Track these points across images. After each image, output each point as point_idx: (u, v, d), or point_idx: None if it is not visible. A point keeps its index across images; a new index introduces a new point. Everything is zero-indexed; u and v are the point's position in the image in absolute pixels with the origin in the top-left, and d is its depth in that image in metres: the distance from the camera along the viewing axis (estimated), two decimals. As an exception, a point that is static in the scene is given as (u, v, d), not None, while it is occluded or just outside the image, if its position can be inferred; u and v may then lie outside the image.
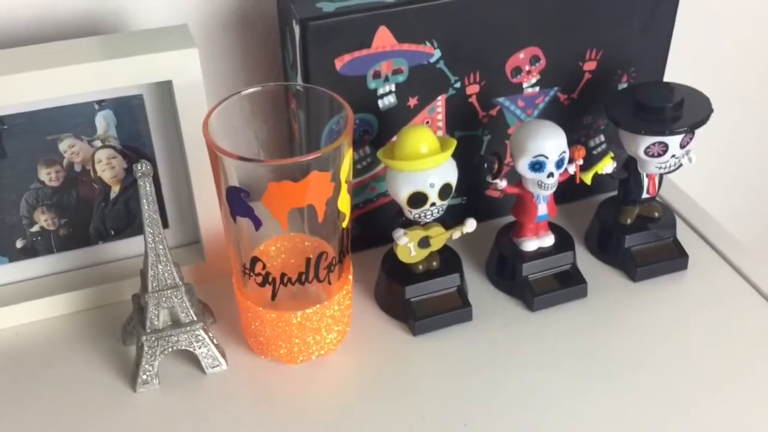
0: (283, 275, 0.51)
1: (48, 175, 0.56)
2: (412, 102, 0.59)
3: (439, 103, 0.60)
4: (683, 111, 0.57)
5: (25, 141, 0.55)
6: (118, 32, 0.61)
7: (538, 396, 0.53)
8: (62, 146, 0.56)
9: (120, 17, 0.60)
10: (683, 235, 0.64)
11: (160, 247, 0.51)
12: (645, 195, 0.62)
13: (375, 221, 0.63)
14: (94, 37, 0.55)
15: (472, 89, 0.60)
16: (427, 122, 0.61)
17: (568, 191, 0.61)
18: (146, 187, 0.49)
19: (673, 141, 0.57)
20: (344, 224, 0.51)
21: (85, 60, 0.51)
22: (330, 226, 0.51)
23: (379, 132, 0.60)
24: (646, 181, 0.61)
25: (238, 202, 0.48)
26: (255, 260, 0.51)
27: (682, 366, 0.55)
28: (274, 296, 0.52)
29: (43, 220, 0.58)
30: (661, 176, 0.61)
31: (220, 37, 0.64)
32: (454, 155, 0.55)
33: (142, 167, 0.48)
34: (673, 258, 0.62)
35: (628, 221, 0.63)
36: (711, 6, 0.79)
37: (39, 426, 0.52)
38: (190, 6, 0.62)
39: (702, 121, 0.57)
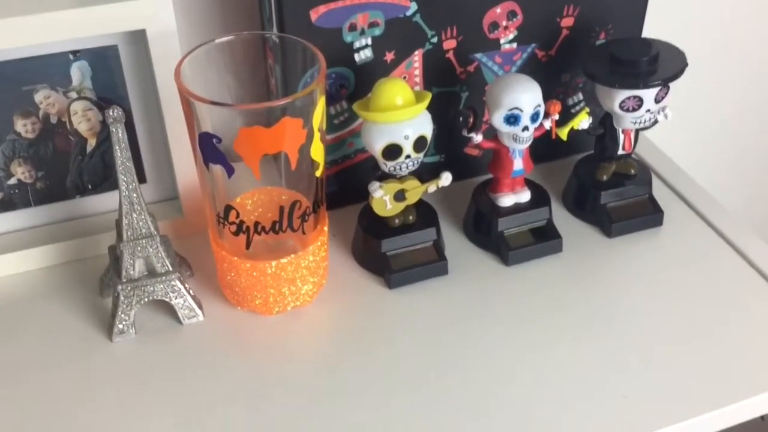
0: (257, 224, 0.51)
1: (24, 127, 0.56)
2: (389, 56, 0.59)
3: (416, 58, 0.60)
4: (658, 65, 0.57)
5: (0, 92, 0.55)
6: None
7: (511, 349, 0.54)
8: (38, 97, 0.56)
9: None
10: (659, 191, 0.65)
11: (134, 195, 0.51)
12: (621, 151, 0.62)
13: (353, 177, 0.64)
14: (67, -14, 0.55)
15: (449, 44, 0.61)
16: (405, 77, 0.61)
17: (546, 150, 0.62)
18: (119, 134, 0.49)
19: (648, 95, 0.57)
20: (318, 173, 0.52)
21: (58, 7, 0.51)
22: (303, 176, 0.51)
23: (356, 87, 0.60)
24: (621, 137, 0.61)
25: (209, 147, 0.48)
26: (229, 208, 0.51)
27: (655, 320, 0.56)
28: (248, 245, 0.52)
29: (20, 172, 0.58)
30: (636, 132, 0.62)
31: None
32: (432, 111, 0.56)
33: (113, 113, 0.48)
34: (649, 214, 0.63)
35: (604, 178, 0.63)
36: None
37: (17, 374, 0.52)
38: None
39: (676, 75, 0.57)
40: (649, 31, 0.66)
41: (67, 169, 0.59)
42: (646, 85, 0.57)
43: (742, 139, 0.96)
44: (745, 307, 0.57)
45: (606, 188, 0.63)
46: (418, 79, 0.61)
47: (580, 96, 0.67)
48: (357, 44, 0.58)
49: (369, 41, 0.58)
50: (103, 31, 0.52)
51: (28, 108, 0.56)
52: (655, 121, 0.60)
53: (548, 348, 0.54)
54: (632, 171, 0.63)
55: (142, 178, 0.61)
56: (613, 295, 0.58)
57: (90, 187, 0.60)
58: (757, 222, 1.00)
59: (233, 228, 0.52)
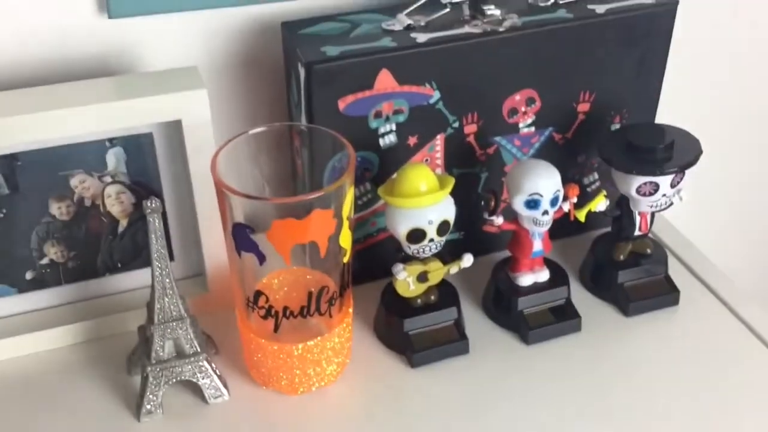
0: (285, 308, 0.53)
1: (59, 210, 0.58)
2: (412, 141, 0.61)
3: (438, 141, 0.62)
4: (674, 152, 0.59)
5: (37, 176, 0.57)
6: (130, 73, 0.63)
7: (532, 428, 0.55)
8: (73, 182, 0.58)
9: (131, 59, 0.63)
10: (675, 271, 0.66)
11: (167, 280, 0.53)
12: (637, 232, 0.64)
13: (375, 255, 0.65)
14: (106, 78, 0.57)
15: (470, 129, 0.63)
16: (427, 160, 0.63)
17: (562, 227, 0.63)
18: (155, 223, 0.51)
19: (664, 181, 0.59)
20: (345, 259, 0.53)
21: (97, 100, 0.54)
22: (331, 261, 0.53)
23: (379, 169, 0.62)
24: (638, 218, 0.63)
25: (243, 237, 0.50)
26: (258, 294, 0.53)
27: (673, 401, 0.57)
28: (276, 329, 0.53)
29: (53, 252, 0.60)
30: (652, 214, 0.63)
31: (228, 78, 0.66)
32: (453, 192, 0.57)
33: (151, 204, 0.50)
34: (665, 294, 0.64)
35: (621, 257, 0.64)
36: (701, 50, 0.82)
37: (45, 454, 0.53)
38: (199, 48, 0.64)
39: (691, 162, 0.59)
40: (662, 116, 0.68)
41: (98, 249, 0.61)
42: (663, 172, 0.58)
43: (758, 221, 0.98)
44: (758, 383, 0.58)
45: (623, 267, 0.64)
46: (439, 161, 0.63)
47: (596, 175, 0.69)
48: (382, 130, 0.60)
49: (393, 127, 0.60)
50: (141, 122, 0.55)
51: (63, 192, 0.58)
52: (671, 204, 0.62)
53: (569, 427, 0.55)
54: (648, 251, 0.65)
55: (170, 256, 0.62)
56: (632, 375, 0.59)
57: (120, 265, 0.62)
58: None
59: (262, 312, 0.53)
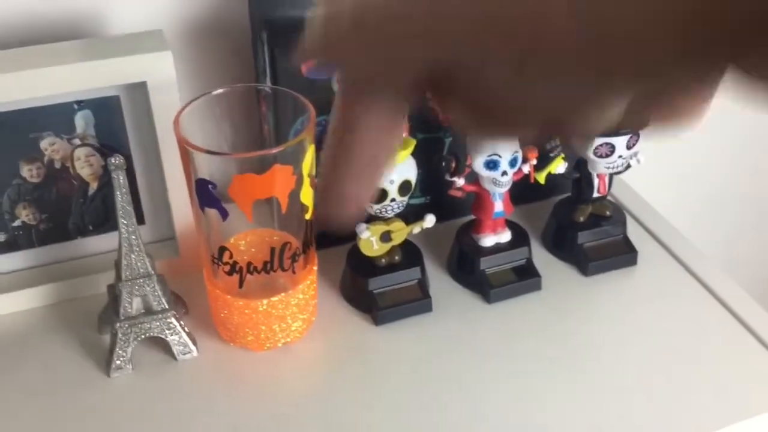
0: (249, 264, 0.54)
1: (29, 172, 0.60)
2: (376, 105, 0.63)
3: (402, 106, 0.64)
4: (629, 114, 0.61)
5: (7, 139, 0.58)
6: (97, 36, 0.64)
7: (493, 384, 0.57)
8: (43, 144, 0.59)
9: (99, 23, 0.64)
10: (633, 232, 0.68)
11: (133, 237, 0.54)
12: (596, 194, 0.65)
13: (342, 219, 0.67)
14: (74, 41, 0.58)
15: (433, 93, 0.64)
16: (391, 124, 0.64)
17: (526, 193, 0.65)
18: (120, 180, 0.52)
19: (619, 142, 0.61)
20: (307, 216, 0.55)
21: (65, 62, 0.55)
22: (294, 219, 0.54)
23: (344, 133, 0.63)
24: (596, 180, 0.65)
25: (206, 193, 0.51)
26: (223, 249, 0.54)
27: (628, 355, 0.59)
28: (241, 284, 0.55)
29: (25, 215, 0.61)
30: (610, 176, 0.65)
31: (195, 43, 0.67)
32: (417, 155, 0.59)
33: (115, 160, 0.51)
34: (623, 254, 0.66)
35: (581, 219, 0.66)
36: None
37: (18, 407, 0.55)
38: (166, 13, 0.65)
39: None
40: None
41: (70, 212, 0.62)
42: (617, 133, 0.60)
43: (716, 182, 1.00)
44: (714, 341, 0.60)
45: (583, 229, 0.66)
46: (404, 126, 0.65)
47: (557, 141, 0.71)
48: (345, 94, 0.61)
49: (357, 91, 0.61)
50: (106, 83, 0.56)
51: (33, 154, 0.59)
52: (628, 166, 0.64)
53: (528, 381, 0.57)
54: (607, 212, 0.67)
55: (140, 220, 0.64)
56: (590, 331, 0.61)
57: (91, 228, 0.63)
58: (729, 262, 1.03)
59: (227, 268, 0.55)
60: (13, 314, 0.62)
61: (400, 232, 0.61)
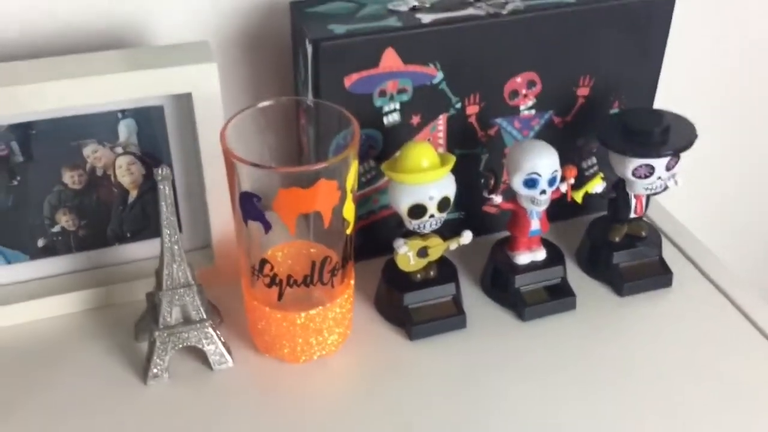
0: (289, 277, 0.55)
1: (71, 178, 0.60)
2: (415, 120, 0.63)
3: (441, 121, 0.64)
4: (669, 135, 0.61)
5: (51, 145, 0.58)
6: (143, 46, 0.65)
7: (526, 402, 0.56)
8: (86, 151, 0.59)
9: (145, 33, 0.64)
10: (668, 253, 0.68)
11: (176, 247, 0.54)
12: (632, 214, 0.65)
13: (377, 232, 0.67)
14: (120, 50, 0.59)
15: (472, 109, 0.64)
16: (429, 140, 0.64)
17: (560, 211, 0.65)
18: (165, 191, 0.52)
19: (659, 164, 0.61)
20: (348, 231, 0.55)
21: (111, 71, 0.55)
22: (335, 233, 0.55)
23: (383, 147, 0.63)
24: (633, 201, 0.64)
25: (250, 206, 0.51)
26: (264, 262, 0.54)
27: (662, 376, 0.59)
28: (280, 297, 0.55)
29: (64, 220, 0.62)
30: (648, 197, 0.65)
31: (237, 56, 0.68)
32: (454, 171, 0.59)
33: (162, 171, 0.52)
34: (658, 275, 0.66)
35: (617, 239, 0.66)
36: (701, 37, 0.83)
37: (55, 413, 0.55)
38: (211, 24, 0.66)
39: (686, 146, 0.61)
40: (660, 102, 0.69)
41: (109, 218, 0.63)
42: (658, 155, 0.60)
43: (750, 205, 0.99)
44: (749, 366, 0.60)
45: (618, 249, 0.66)
46: (441, 141, 0.65)
47: (594, 160, 0.71)
48: (386, 108, 0.62)
49: (397, 106, 0.62)
50: (153, 93, 0.56)
51: (76, 161, 0.60)
52: (666, 187, 0.64)
53: (562, 402, 0.56)
54: (643, 233, 0.66)
55: (179, 228, 0.64)
56: (624, 352, 0.61)
57: (129, 235, 0.64)
58: (764, 287, 1.02)
59: (267, 280, 0.55)
60: (50, 319, 0.62)
61: (437, 247, 0.61)
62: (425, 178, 0.57)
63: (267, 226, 0.52)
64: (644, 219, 0.67)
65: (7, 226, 0.60)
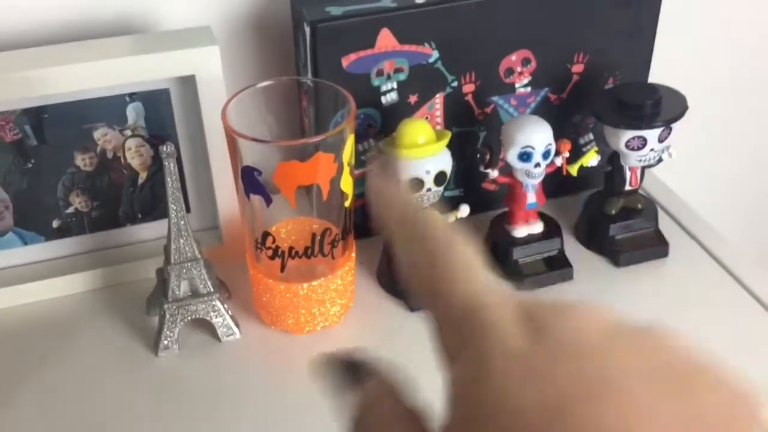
0: (291, 248, 0.57)
1: (83, 161, 0.63)
2: (413, 99, 0.65)
3: (438, 100, 0.66)
4: (661, 108, 0.62)
5: (63, 129, 0.61)
6: (148, 32, 0.67)
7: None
8: (96, 134, 0.62)
9: (149, 19, 0.67)
10: (665, 225, 0.69)
11: (182, 222, 0.57)
12: (628, 187, 0.67)
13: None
14: (126, 36, 0.61)
15: (468, 88, 0.66)
16: (427, 118, 0.66)
17: (559, 186, 0.66)
18: (170, 167, 0.55)
19: (651, 135, 0.62)
20: (347, 204, 0.57)
21: (118, 55, 0.58)
22: (334, 206, 0.57)
23: (382, 126, 0.65)
24: (628, 173, 0.66)
25: (251, 180, 0.53)
26: (266, 235, 0.57)
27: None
28: (283, 268, 0.57)
29: (78, 202, 0.64)
30: (642, 169, 0.66)
31: (238, 38, 0.70)
32: (452, 149, 0.61)
33: (167, 148, 0.54)
34: (655, 246, 0.67)
35: (613, 212, 0.67)
36: (691, 13, 0.85)
37: (69, 384, 0.58)
38: (213, 10, 0.68)
39: (677, 117, 0.62)
40: (654, 77, 0.71)
41: (120, 200, 0.65)
42: (649, 126, 0.61)
43: (740, 173, 1.00)
44: (746, 334, 0.61)
45: (615, 221, 0.67)
46: (439, 120, 0.67)
47: (591, 136, 0.72)
48: (383, 88, 0.64)
49: (394, 85, 0.64)
50: (157, 76, 0.59)
51: (87, 144, 0.62)
52: (660, 159, 0.65)
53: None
54: (639, 205, 0.68)
55: (187, 209, 0.66)
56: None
57: (140, 216, 0.66)
58: (757, 252, 1.03)
59: (269, 252, 0.57)
60: (65, 297, 0.65)
61: (436, 221, 0.62)
62: (422, 152, 0.59)
63: (268, 199, 0.55)
64: (640, 192, 0.68)
65: (23, 207, 0.63)
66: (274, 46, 0.71)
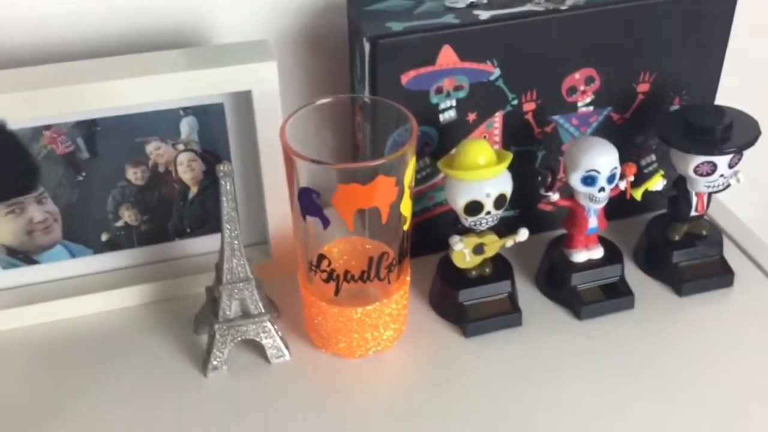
0: (346, 272, 0.55)
1: (134, 175, 0.62)
2: (471, 117, 0.63)
3: (497, 118, 0.64)
4: (732, 132, 0.60)
5: (115, 142, 0.60)
6: (204, 45, 0.66)
7: (582, 402, 0.56)
8: (149, 148, 0.61)
9: (206, 32, 0.66)
10: (729, 253, 0.66)
11: (236, 242, 0.55)
12: (693, 213, 0.64)
13: (432, 229, 0.67)
14: (182, 49, 0.60)
15: (529, 106, 0.64)
16: (485, 137, 0.64)
17: (619, 208, 0.64)
18: (227, 186, 0.53)
19: (722, 161, 0.59)
20: (405, 227, 0.55)
21: (173, 70, 0.56)
22: (392, 229, 0.55)
23: (438, 144, 0.63)
24: (694, 199, 0.63)
25: (309, 201, 0.52)
26: (321, 257, 0.55)
27: (723, 380, 0.57)
28: (337, 292, 0.56)
29: (127, 216, 0.63)
30: (709, 195, 0.64)
31: (293, 51, 0.69)
32: (510, 168, 0.59)
33: (224, 168, 0.53)
34: (719, 274, 0.64)
35: (677, 237, 0.65)
36: (762, 32, 0.81)
37: (117, 404, 0.57)
38: (269, 22, 0.67)
39: (750, 143, 0.59)
40: (721, 99, 0.68)
41: (170, 214, 0.64)
42: (721, 152, 0.59)
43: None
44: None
45: (678, 248, 0.65)
46: (497, 138, 0.65)
47: (653, 157, 0.70)
48: (442, 105, 0.62)
49: (453, 103, 0.62)
50: (212, 91, 0.57)
51: (139, 158, 0.61)
52: (728, 185, 0.62)
53: (620, 404, 0.56)
54: (704, 232, 0.65)
55: (236, 224, 0.65)
56: (683, 353, 0.60)
57: (189, 230, 0.65)
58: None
59: (324, 275, 0.55)
60: (112, 311, 0.64)
61: (493, 245, 0.61)
62: (482, 175, 0.57)
63: (325, 222, 0.53)
64: (705, 217, 0.66)
65: (72, 220, 0.62)
66: (327, 59, 0.70)
